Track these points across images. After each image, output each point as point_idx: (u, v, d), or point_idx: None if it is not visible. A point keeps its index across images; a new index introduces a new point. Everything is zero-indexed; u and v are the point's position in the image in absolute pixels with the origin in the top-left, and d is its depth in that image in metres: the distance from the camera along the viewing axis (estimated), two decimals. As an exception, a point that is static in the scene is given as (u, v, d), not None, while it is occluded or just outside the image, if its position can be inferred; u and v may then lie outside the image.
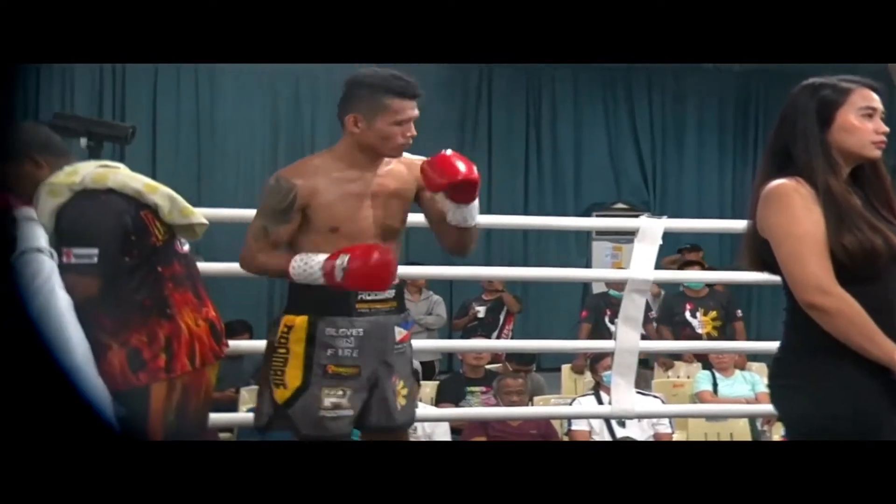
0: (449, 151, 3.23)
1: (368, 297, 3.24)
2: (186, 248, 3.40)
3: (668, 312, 8.21)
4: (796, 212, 2.46)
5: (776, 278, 2.64)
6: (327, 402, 3.19)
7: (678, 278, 7.16)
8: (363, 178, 3.24)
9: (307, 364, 3.20)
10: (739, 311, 8.26)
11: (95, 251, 3.08)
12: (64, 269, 3.04)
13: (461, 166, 3.18)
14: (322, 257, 3.12)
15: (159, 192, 3.28)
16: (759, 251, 2.61)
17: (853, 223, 2.44)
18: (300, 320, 3.23)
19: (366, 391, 3.26)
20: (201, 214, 3.37)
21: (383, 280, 3.16)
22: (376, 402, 3.29)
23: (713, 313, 8.06)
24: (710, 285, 8.13)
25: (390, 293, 3.31)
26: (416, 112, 3.22)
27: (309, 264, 3.14)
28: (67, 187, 3.15)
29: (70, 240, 3.08)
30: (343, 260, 3.08)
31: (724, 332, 7.96)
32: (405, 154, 3.33)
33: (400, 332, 3.35)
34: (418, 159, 3.34)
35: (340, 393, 3.20)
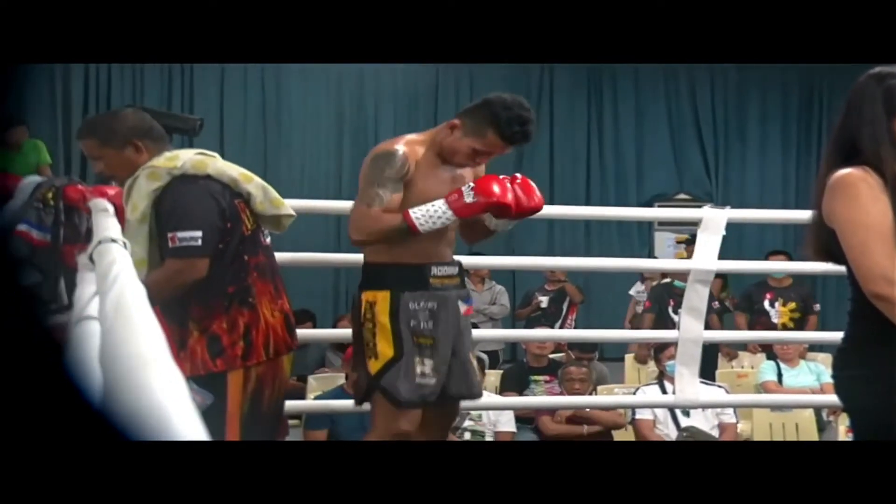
0: (500, 177, 3.32)
1: (440, 273, 3.37)
2: (269, 240, 3.45)
3: (747, 300, 8.20)
4: (864, 201, 2.41)
5: (841, 268, 2.61)
6: (419, 370, 3.30)
7: (742, 269, 7.09)
8: (447, 165, 3.37)
9: (396, 334, 3.30)
10: (818, 306, 8.19)
11: (200, 233, 3.15)
12: (170, 252, 3.13)
13: (496, 190, 3.23)
14: (438, 200, 3.21)
15: (254, 182, 3.36)
16: (825, 241, 2.56)
17: None
18: (382, 295, 3.32)
19: (447, 362, 3.38)
20: (290, 206, 3.43)
21: (525, 193, 3.28)
22: (457, 372, 3.42)
23: (792, 304, 8.01)
24: (793, 278, 8.09)
25: (455, 269, 3.45)
26: (504, 152, 3.38)
27: (431, 206, 3.21)
28: (167, 171, 3.21)
29: (173, 224, 3.15)
30: (467, 188, 3.19)
31: (801, 325, 7.89)
32: None
33: (463, 307, 3.47)
34: None
35: (427, 362, 3.31)
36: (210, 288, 3.20)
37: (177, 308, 3.20)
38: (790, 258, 8.06)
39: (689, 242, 7.26)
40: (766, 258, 8.11)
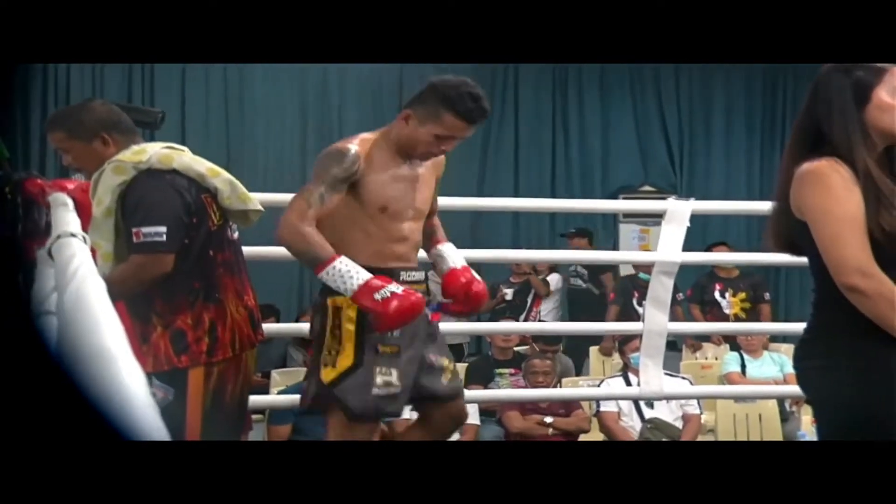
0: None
1: (408, 279, 3.28)
2: (237, 235, 3.44)
3: (699, 292, 8.24)
4: (838, 192, 2.41)
5: (802, 260, 2.62)
6: (379, 380, 3.19)
7: (707, 260, 7.13)
8: (405, 162, 3.28)
9: (359, 344, 3.20)
10: (767, 295, 8.27)
11: (164, 229, 3.12)
12: (135, 247, 3.11)
13: (392, 307, 3.10)
14: (365, 275, 3.08)
15: (221, 177, 3.34)
16: (790, 232, 2.57)
17: (891, 203, 2.39)
18: (349, 301, 3.19)
19: (414, 370, 3.30)
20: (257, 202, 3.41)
21: (397, 325, 3.13)
22: (424, 378, 3.34)
23: (742, 294, 8.08)
24: (741, 268, 8.14)
25: (422, 275, 3.38)
26: (467, 133, 3.24)
27: (350, 272, 3.08)
28: (133, 166, 3.19)
29: (138, 219, 3.13)
30: (384, 294, 3.05)
31: (753, 314, 7.96)
32: None
33: (430, 313, 3.40)
34: None
35: (389, 371, 3.22)
36: (175, 283, 3.18)
37: (140, 303, 3.19)
38: (729, 248, 8.12)
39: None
40: (706, 250, 8.19)
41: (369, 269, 3.13)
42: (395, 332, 3.20)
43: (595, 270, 8.94)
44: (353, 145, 3.21)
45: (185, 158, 3.29)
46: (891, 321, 2.36)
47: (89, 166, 3.32)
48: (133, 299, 3.16)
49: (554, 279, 8.88)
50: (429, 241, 3.53)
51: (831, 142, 2.48)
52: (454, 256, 3.55)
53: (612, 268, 9.11)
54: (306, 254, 3.15)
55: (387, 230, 3.25)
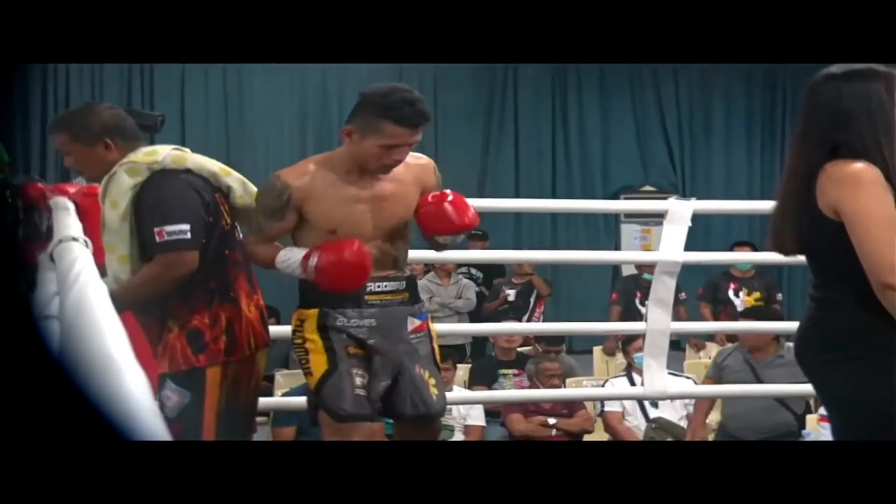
0: (449, 198, 3.26)
1: (378, 290, 3.22)
2: (241, 236, 3.43)
3: (711, 290, 8.24)
4: (877, 193, 2.45)
5: (800, 259, 2.65)
6: (358, 381, 3.16)
7: (709, 260, 7.10)
8: (359, 182, 3.18)
9: (328, 348, 3.17)
10: (780, 295, 8.26)
11: (187, 227, 3.13)
12: (159, 247, 3.12)
13: (454, 219, 3.20)
14: (302, 252, 3.11)
15: (233, 176, 3.36)
16: (812, 232, 2.59)
17: None
18: (311, 312, 3.21)
19: (388, 379, 3.22)
20: None
21: (352, 279, 3.09)
22: (407, 392, 3.23)
23: (756, 294, 8.07)
24: (756, 268, 8.15)
25: (401, 285, 3.29)
26: (413, 139, 3.11)
27: (291, 259, 3.15)
28: (147, 167, 3.19)
29: (159, 218, 3.13)
30: (314, 258, 3.06)
31: (765, 315, 7.94)
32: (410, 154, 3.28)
33: (413, 323, 3.30)
34: (417, 158, 3.32)
35: (362, 374, 3.18)
36: (192, 283, 3.19)
37: (154, 304, 3.20)
38: (755, 249, 8.11)
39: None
40: (731, 249, 8.16)
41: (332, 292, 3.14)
42: (371, 340, 3.18)
43: (490, 274, 8.91)
44: (286, 176, 3.16)
45: (197, 158, 3.30)
46: None
47: (90, 170, 3.34)
48: (145, 306, 3.18)
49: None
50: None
51: (856, 145, 2.51)
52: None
53: (504, 272, 9.04)
54: (263, 262, 3.24)
55: None
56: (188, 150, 3.39)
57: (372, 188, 3.19)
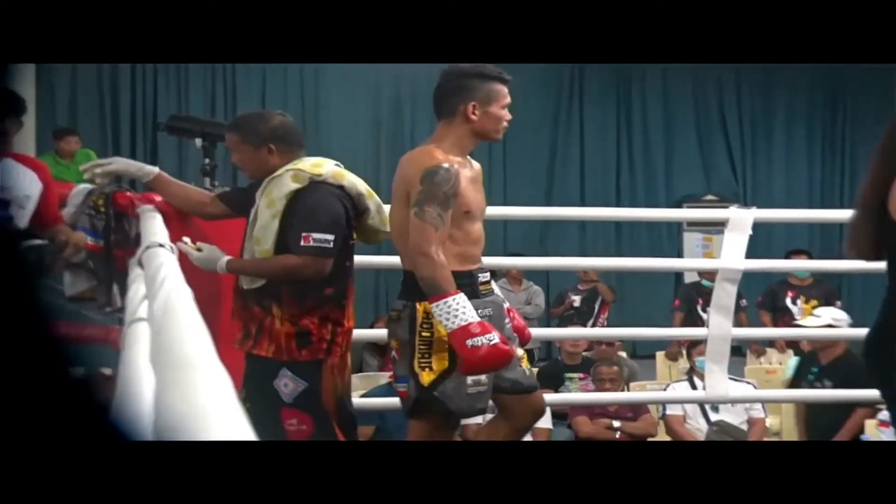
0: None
1: (483, 279, 3.32)
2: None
3: (770, 299, 8.15)
4: None
5: (869, 266, 2.65)
6: (470, 380, 3.19)
7: (770, 267, 7.04)
8: (469, 166, 3.33)
9: (451, 346, 3.16)
10: (839, 303, 8.13)
11: (332, 237, 3.31)
12: (304, 249, 3.28)
13: (479, 358, 3.10)
14: (471, 318, 3.06)
15: (374, 199, 3.54)
16: (880, 237, 2.63)
17: None
18: None
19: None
20: None
21: (482, 371, 3.15)
22: (507, 371, 3.32)
23: (814, 302, 7.96)
24: (814, 276, 8.04)
25: (488, 275, 3.40)
26: (507, 97, 3.34)
27: (459, 312, 3.07)
28: (310, 176, 3.36)
29: (310, 225, 3.30)
30: (480, 339, 3.04)
31: (823, 321, 7.85)
32: None
33: (507, 305, 3.47)
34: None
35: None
36: (311, 287, 3.34)
37: (266, 297, 3.35)
38: (811, 257, 8.01)
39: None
40: (786, 257, 8.07)
41: (455, 275, 3.15)
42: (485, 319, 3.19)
43: None
44: (445, 161, 3.19)
45: (351, 177, 3.48)
46: None
47: (251, 169, 3.50)
48: (260, 293, 3.35)
49: None
50: None
51: None
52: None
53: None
54: (430, 280, 3.12)
55: (468, 233, 3.28)
56: (344, 168, 3.55)
57: (473, 170, 3.35)
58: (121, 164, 3.69)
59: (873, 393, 2.76)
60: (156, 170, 3.68)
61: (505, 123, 3.32)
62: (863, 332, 2.76)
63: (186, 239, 3.50)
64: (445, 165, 3.18)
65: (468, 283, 3.22)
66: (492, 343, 3.03)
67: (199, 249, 3.45)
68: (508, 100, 3.32)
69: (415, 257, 3.15)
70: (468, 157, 3.35)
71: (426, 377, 3.21)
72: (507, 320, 3.40)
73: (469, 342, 3.02)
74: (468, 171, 3.28)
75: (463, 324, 3.04)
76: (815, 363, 5.75)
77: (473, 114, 3.25)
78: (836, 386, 5.33)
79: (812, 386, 5.57)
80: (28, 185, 3.63)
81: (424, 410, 3.24)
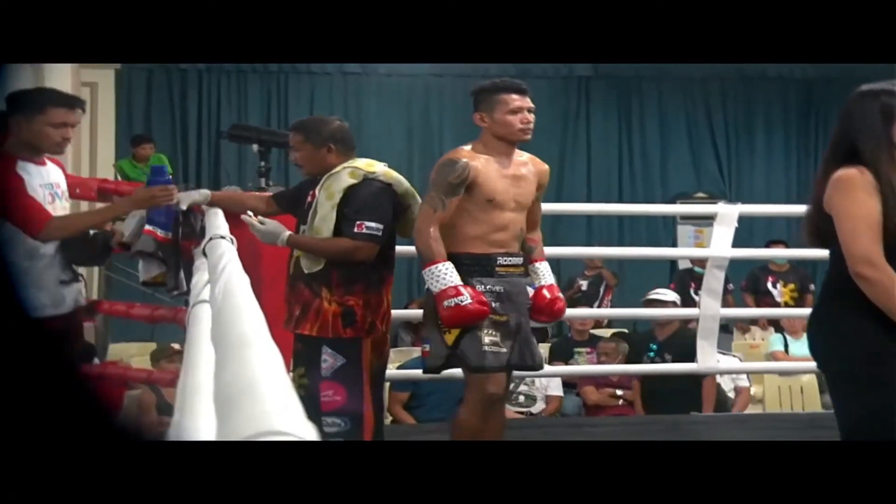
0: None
1: (506, 263, 3.35)
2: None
3: (753, 283, 8.13)
4: (858, 195, 2.47)
5: (818, 252, 2.65)
6: (486, 339, 3.25)
7: (753, 255, 6.99)
8: (503, 162, 3.36)
9: None
10: (812, 286, 8.10)
11: (381, 227, 3.35)
12: (356, 235, 3.33)
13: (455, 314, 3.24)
14: (452, 282, 3.19)
15: (416, 198, 3.55)
16: (820, 226, 2.60)
17: None
18: None
19: (513, 337, 3.34)
20: None
21: (455, 325, 3.24)
22: (521, 346, 3.37)
23: (792, 285, 7.95)
24: (791, 262, 8.00)
25: (521, 260, 3.42)
26: (526, 103, 3.35)
27: (441, 276, 3.20)
28: (365, 174, 3.41)
29: (365, 214, 3.34)
30: (454, 301, 3.18)
31: (800, 302, 7.81)
32: (532, 156, 3.53)
33: (530, 291, 3.46)
34: (540, 162, 3.54)
35: (496, 334, 3.27)
36: (357, 272, 3.36)
37: (318, 280, 3.36)
38: (787, 246, 7.97)
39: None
40: (766, 246, 8.04)
41: (472, 256, 3.28)
42: (499, 306, 3.29)
43: None
44: (462, 156, 3.31)
45: (398, 176, 3.51)
46: (888, 305, 2.43)
47: (311, 167, 3.51)
48: (311, 277, 3.36)
49: None
50: (528, 257, 3.53)
51: (861, 155, 2.52)
52: (546, 275, 3.57)
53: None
54: (423, 250, 3.27)
55: (492, 219, 3.31)
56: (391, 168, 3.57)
57: (511, 167, 3.39)
58: (193, 195, 3.60)
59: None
60: (208, 192, 3.64)
61: (520, 125, 3.33)
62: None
63: (250, 212, 3.51)
64: (457, 160, 3.28)
65: (486, 264, 3.30)
66: (462, 304, 3.16)
67: (262, 223, 3.43)
68: (517, 105, 3.32)
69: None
70: (513, 155, 3.40)
71: (449, 338, 3.27)
72: (526, 297, 3.42)
73: (445, 302, 3.17)
74: (499, 167, 3.33)
75: (444, 287, 3.18)
76: (652, 340, 5.68)
77: (483, 121, 3.35)
78: (675, 359, 5.29)
79: (653, 361, 5.52)
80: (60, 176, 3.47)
81: (455, 364, 3.31)
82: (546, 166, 3.55)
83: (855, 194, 2.47)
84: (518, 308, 3.36)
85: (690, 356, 4.86)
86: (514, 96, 3.32)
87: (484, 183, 3.28)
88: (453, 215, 3.28)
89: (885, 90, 2.56)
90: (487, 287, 3.27)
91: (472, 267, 3.28)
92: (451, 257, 3.26)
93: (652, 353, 5.58)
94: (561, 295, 3.57)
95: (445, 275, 3.19)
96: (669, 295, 5.85)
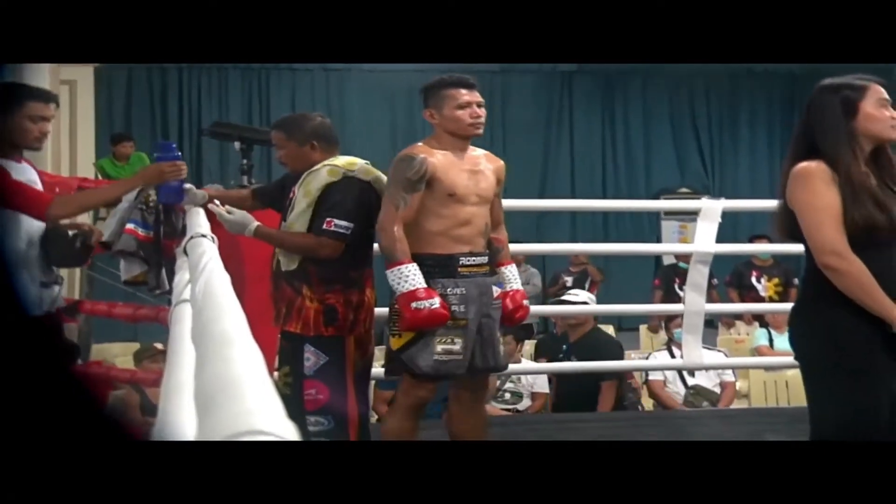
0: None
1: (469, 262, 3.26)
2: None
3: (737, 278, 8.16)
4: (818, 188, 2.48)
5: (800, 247, 2.64)
6: (439, 348, 3.17)
7: (737, 250, 7.00)
8: (459, 156, 3.29)
9: None
10: (797, 280, 8.11)
11: (351, 226, 3.28)
12: (323, 232, 3.27)
13: (416, 318, 3.16)
14: (418, 283, 3.12)
15: None
16: (788, 222, 2.61)
17: (862, 201, 2.46)
18: None
19: (473, 339, 3.24)
20: None
21: (419, 328, 3.17)
22: (484, 348, 3.28)
23: (776, 280, 7.98)
24: (775, 257, 8.03)
25: (485, 259, 3.33)
26: (475, 97, 3.27)
27: (408, 278, 3.13)
28: (343, 171, 3.35)
29: (335, 212, 3.28)
30: (424, 303, 3.10)
31: (784, 297, 7.83)
32: (487, 151, 3.45)
33: (496, 290, 3.35)
34: (495, 158, 3.46)
35: (451, 341, 3.19)
36: (337, 270, 3.31)
37: (297, 279, 3.32)
38: (771, 241, 8.00)
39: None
40: (749, 241, 8.06)
41: (434, 257, 3.20)
42: (461, 307, 3.20)
43: None
44: (419, 152, 3.23)
45: (378, 174, 3.43)
46: (857, 295, 2.44)
47: (295, 164, 3.46)
48: (293, 275, 3.32)
49: None
50: (495, 259, 3.44)
51: (821, 149, 2.54)
52: (512, 280, 3.49)
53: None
54: (387, 250, 3.19)
55: (455, 214, 3.24)
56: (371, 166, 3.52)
57: (468, 162, 3.31)
58: (197, 197, 3.54)
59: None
60: (206, 193, 3.58)
61: (469, 120, 3.24)
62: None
63: (217, 202, 3.46)
64: (414, 156, 3.22)
65: (447, 265, 3.22)
66: (433, 307, 3.09)
67: (229, 213, 3.39)
68: (465, 100, 3.24)
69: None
70: (468, 151, 3.32)
71: (395, 342, 3.22)
72: (491, 297, 3.31)
73: (413, 304, 3.09)
74: (457, 161, 3.26)
75: (411, 288, 3.11)
76: (564, 342, 5.70)
77: (433, 118, 3.29)
78: (581, 360, 5.30)
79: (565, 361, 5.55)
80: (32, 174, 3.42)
81: (396, 369, 3.25)
82: (502, 162, 3.47)
83: (814, 186, 2.49)
84: (481, 308, 3.25)
85: (597, 358, 4.94)
86: (462, 91, 3.25)
87: (444, 178, 3.21)
88: (416, 212, 3.21)
89: (846, 84, 2.58)
90: (448, 290, 3.18)
91: (433, 268, 3.19)
92: (413, 258, 3.19)
93: (562, 356, 5.60)
94: (526, 302, 3.49)
95: (413, 276, 3.12)
96: (581, 295, 5.86)
